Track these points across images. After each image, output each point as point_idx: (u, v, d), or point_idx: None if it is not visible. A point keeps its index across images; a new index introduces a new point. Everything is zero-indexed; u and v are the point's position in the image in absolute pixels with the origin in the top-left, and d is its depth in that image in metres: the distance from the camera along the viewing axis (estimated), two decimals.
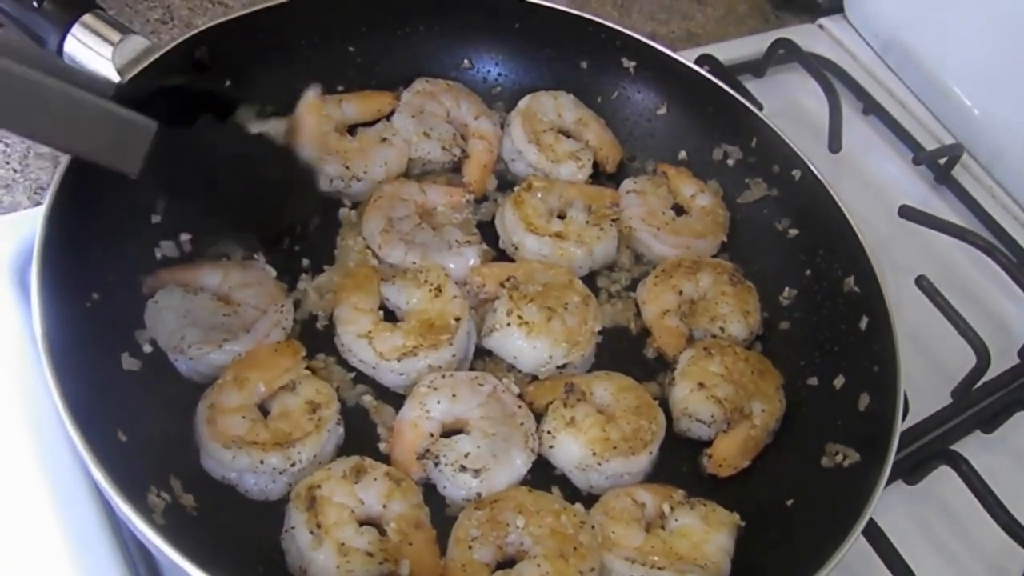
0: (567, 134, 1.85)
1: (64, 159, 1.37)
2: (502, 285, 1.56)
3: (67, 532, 1.32)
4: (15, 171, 1.75)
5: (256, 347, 1.41)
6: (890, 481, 1.60)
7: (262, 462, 1.32)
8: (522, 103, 1.84)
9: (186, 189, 1.34)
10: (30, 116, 1.13)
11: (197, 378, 1.42)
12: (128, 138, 1.19)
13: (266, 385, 1.38)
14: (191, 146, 1.28)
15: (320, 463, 1.36)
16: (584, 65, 1.88)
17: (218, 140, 1.33)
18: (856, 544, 1.43)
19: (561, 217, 1.72)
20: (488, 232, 1.72)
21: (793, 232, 1.74)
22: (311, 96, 1.50)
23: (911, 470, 1.66)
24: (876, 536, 1.48)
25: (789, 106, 2.23)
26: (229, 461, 1.31)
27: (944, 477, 1.61)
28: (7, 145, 1.77)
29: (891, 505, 1.62)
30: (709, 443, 1.53)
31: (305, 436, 1.34)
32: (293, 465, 1.33)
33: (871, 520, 1.45)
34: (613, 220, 1.72)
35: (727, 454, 1.50)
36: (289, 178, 1.45)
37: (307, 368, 1.44)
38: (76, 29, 1.48)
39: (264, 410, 1.39)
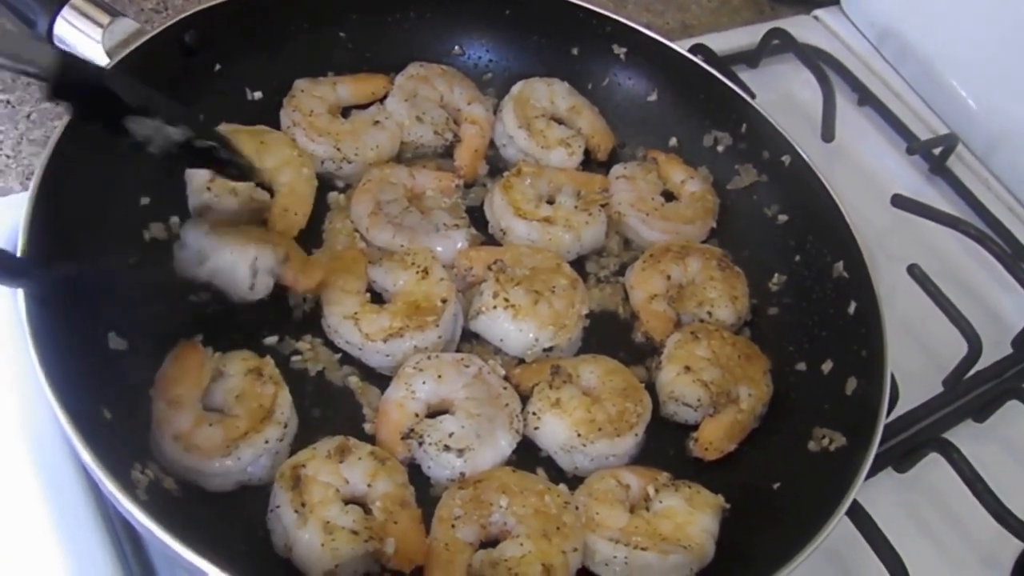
0: (559, 121, 1.86)
1: (51, 142, 1.37)
2: (489, 268, 1.56)
3: (54, 512, 1.33)
4: (8, 157, 1.75)
5: (162, 368, 1.38)
6: (880, 468, 1.64)
7: (267, 442, 1.32)
8: (515, 88, 1.84)
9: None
10: None
11: None
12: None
13: (196, 389, 1.35)
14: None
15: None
16: (575, 52, 1.88)
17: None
18: (845, 530, 1.45)
19: (550, 203, 1.72)
20: (478, 217, 1.72)
21: (783, 218, 1.74)
22: None
23: (901, 458, 1.66)
24: (864, 522, 1.47)
25: (783, 97, 2.22)
26: (236, 463, 1.31)
27: (935, 465, 1.61)
28: (1, 132, 1.78)
29: (881, 493, 1.62)
30: (696, 427, 1.53)
31: (276, 392, 1.36)
32: (285, 426, 1.34)
33: (859, 506, 1.47)
34: (602, 205, 1.72)
35: (713, 438, 1.49)
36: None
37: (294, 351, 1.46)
38: (66, 11, 1.49)
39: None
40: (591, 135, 1.85)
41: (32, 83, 1.84)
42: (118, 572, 1.30)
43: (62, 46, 1.51)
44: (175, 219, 1.55)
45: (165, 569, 1.32)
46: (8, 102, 1.83)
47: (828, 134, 2.05)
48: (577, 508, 1.36)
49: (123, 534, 1.33)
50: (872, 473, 1.59)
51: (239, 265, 1.41)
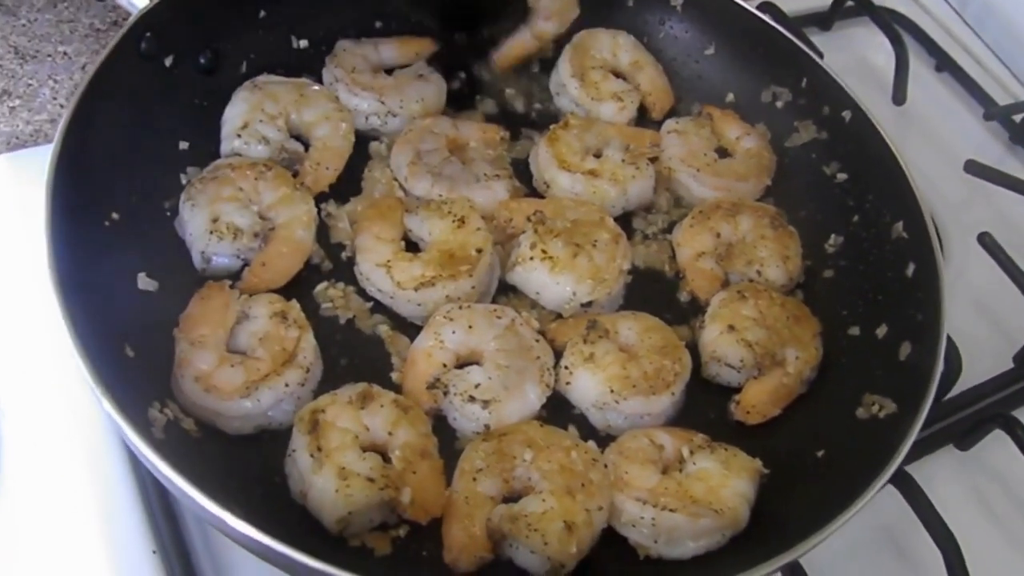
0: (619, 74, 1.80)
1: (87, 78, 1.37)
2: (529, 219, 1.51)
3: (88, 476, 1.33)
4: (61, 107, 1.77)
5: (188, 308, 1.36)
6: (941, 445, 1.58)
7: (287, 385, 1.30)
8: (576, 37, 1.80)
9: None
10: None
11: None
12: None
13: (221, 330, 1.34)
14: None
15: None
16: (630, 2, 1.81)
17: None
18: (899, 507, 1.39)
19: (597, 156, 1.66)
20: (523, 171, 1.68)
21: (842, 176, 1.66)
22: None
23: (964, 435, 1.59)
24: (917, 496, 1.40)
25: (856, 61, 2.16)
26: (255, 406, 1.29)
27: (1000, 445, 1.54)
28: (56, 82, 1.79)
29: (941, 470, 1.57)
30: (739, 390, 1.46)
31: (300, 336, 1.34)
32: (307, 371, 1.32)
33: (912, 480, 1.41)
34: (651, 160, 1.66)
35: (756, 401, 1.43)
36: None
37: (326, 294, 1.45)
38: None
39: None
40: (648, 92, 1.79)
41: (89, 35, 1.86)
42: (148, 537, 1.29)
43: None
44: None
45: (197, 531, 1.31)
46: (65, 53, 1.84)
47: (900, 96, 1.96)
48: (606, 466, 1.30)
49: (156, 500, 1.31)
50: (932, 449, 1.56)
51: None
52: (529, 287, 1.49)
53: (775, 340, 1.46)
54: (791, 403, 1.45)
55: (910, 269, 1.49)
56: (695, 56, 1.83)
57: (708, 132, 1.73)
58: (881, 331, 1.47)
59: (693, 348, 1.50)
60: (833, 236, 1.63)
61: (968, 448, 1.59)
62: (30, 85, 1.79)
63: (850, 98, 1.64)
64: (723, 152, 1.74)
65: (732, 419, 1.45)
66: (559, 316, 1.50)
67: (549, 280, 1.47)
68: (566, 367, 1.40)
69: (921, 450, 1.52)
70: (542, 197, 1.63)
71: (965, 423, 1.59)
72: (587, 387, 1.39)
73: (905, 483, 1.41)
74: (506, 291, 1.52)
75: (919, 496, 1.41)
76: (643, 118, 1.80)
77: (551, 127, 1.67)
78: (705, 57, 1.82)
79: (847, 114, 1.65)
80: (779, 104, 1.76)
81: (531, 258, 1.47)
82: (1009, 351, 1.71)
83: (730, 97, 1.80)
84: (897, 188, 1.55)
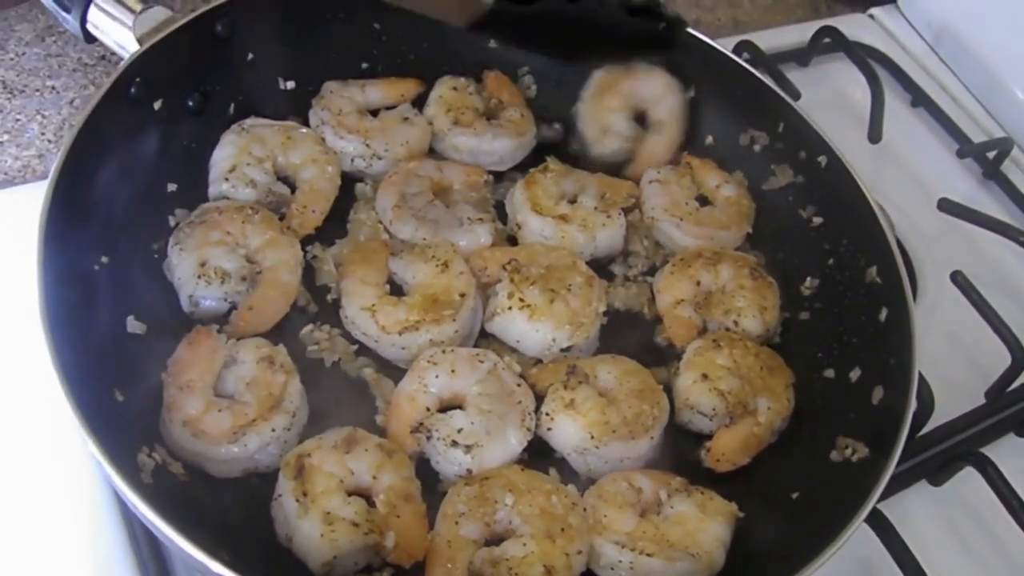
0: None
1: (78, 125, 1.39)
2: (504, 268, 1.53)
3: (76, 516, 1.35)
4: (49, 142, 1.79)
5: (176, 353, 1.38)
6: (914, 481, 1.60)
7: (274, 430, 1.32)
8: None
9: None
10: None
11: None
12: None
13: (208, 375, 1.36)
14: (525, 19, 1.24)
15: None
16: None
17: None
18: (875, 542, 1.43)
19: (572, 202, 1.68)
20: (507, 214, 1.70)
21: (817, 220, 1.69)
22: None
23: (936, 471, 1.61)
24: (888, 533, 1.44)
25: (833, 97, 2.18)
26: (242, 450, 1.31)
27: (973, 480, 1.56)
28: (44, 117, 1.81)
29: (915, 506, 1.59)
30: (711, 436, 1.49)
31: (287, 381, 1.36)
32: (294, 416, 1.34)
33: (884, 518, 1.44)
34: (626, 210, 1.68)
35: (726, 449, 1.46)
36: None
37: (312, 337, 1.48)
38: None
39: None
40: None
41: (78, 69, 1.88)
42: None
43: (95, 32, 1.53)
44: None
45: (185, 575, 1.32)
46: (53, 88, 1.86)
47: (875, 135, 1.99)
48: (585, 510, 1.33)
49: (145, 545, 1.33)
50: (906, 485, 1.59)
51: None
52: (509, 336, 1.51)
53: (748, 390, 1.48)
54: (761, 451, 1.48)
55: (883, 314, 1.51)
56: None
57: (689, 181, 1.75)
58: (855, 374, 1.50)
59: (670, 391, 1.52)
60: (809, 279, 1.66)
61: (941, 484, 1.62)
62: (18, 120, 1.81)
63: (826, 144, 1.67)
64: (703, 200, 1.76)
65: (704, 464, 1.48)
66: (539, 361, 1.52)
67: (528, 328, 1.49)
68: (547, 413, 1.42)
69: (895, 486, 1.54)
70: (515, 239, 1.65)
71: (938, 460, 1.61)
72: (568, 433, 1.41)
73: (879, 522, 1.44)
74: (487, 336, 1.54)
75: (892, 535, 1.44)
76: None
77: (531, 170, 1.70)
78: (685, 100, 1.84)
79: (823, 159, 1.68)
80: (757, 148, 1.78)
81: (509, 307, 1.49)
82: (982, 386, 1.74)
83: (709, 140, 1.82)
84: (871, 234, 1.57)
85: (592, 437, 1.39)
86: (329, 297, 1.54)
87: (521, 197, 1.64)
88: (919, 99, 2.24)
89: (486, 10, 1.16)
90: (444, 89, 1.77)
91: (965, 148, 2.10)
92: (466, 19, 1.19)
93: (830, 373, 1.55)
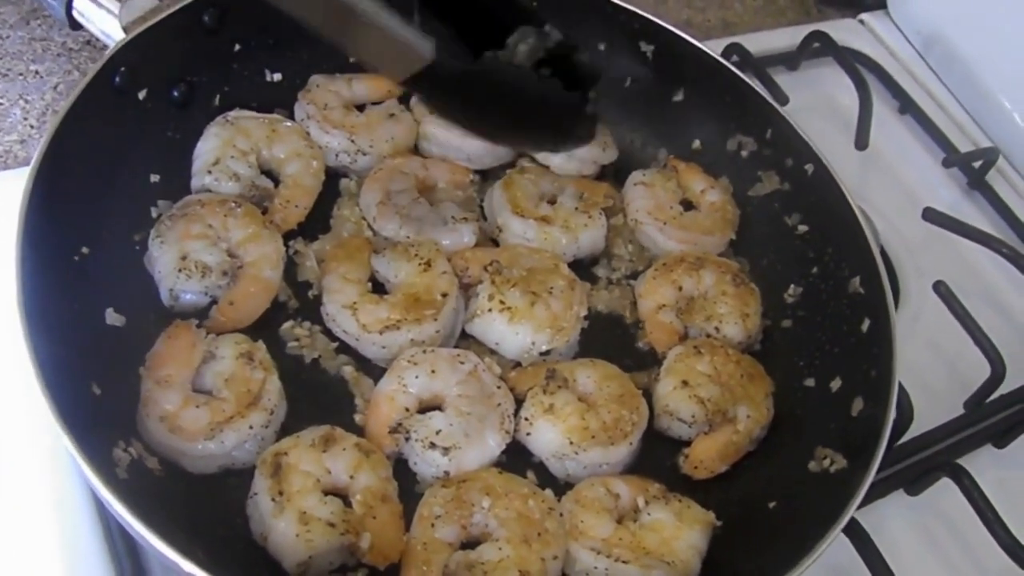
0: None
1: (61, 113, 1.37)
2: (485, 269, 1.52)
3: (52, 516, 1.33)
4: (32, 127, 1.77)
5: (154, 347, 1.37)
6: (891, 490, 1.60)
7: (251, 427, 1.32)
8: None
9: (449, 110, 1.33)
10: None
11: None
12: (401, 55, 1.16)
13: (187, 370, 1.35)
14: (464, 76, 1.22)
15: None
16: (602, 47, 1.83)
17: (497, 78, 1.24)
18: (848, 552, 1.43)
19: (552, 203, 1.67)
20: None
21: (803, 228, 1.69)
22: None
23: (913, 480, 1.62)
24: (865, 544, 1.45)
25: (821, 101, 2.18)
26: (219, 447, 1.30)
27: (949, 490, 1.57)
28: (27, 102, 1.79)
29: (892, 515, 1.60)
30: (690, 443, 1.49)
31: (265, 378, 1.35)
32: (272, 413, 1.34)
33: (860, 528, 1.44)
34: (604, 210, 1.68)
35: (704, 456, 1.46)
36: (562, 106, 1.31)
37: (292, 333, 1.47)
38: None
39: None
40: None
41: (62, 54, 1.86)
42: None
43: (81, 20, 1.51)
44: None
45: (160, 572, 1.31)
46: (37, 72, 1.84)
47: (862, 141, 1.99)
48: (562, 515, 1.33)
49: (120, 541, 1.31)
50: (883, 494, 1.59)
51: None
52: (489, 338, 1.51)
53: (727, 397, 1.48)
54: (740, 459, 1.48)
55: (865, 324, 1.51)
56: (663, 102, 1.84)
57: (674, 185, 1.75)
58: (835, 384, 1.51)
59: (650, 396, 1.52)
60: (792, 286, 1.66)
61: (918, 493, 1.62)
62: (1, 104, 1.79)
63: (813, 152, 1.67)
64: (688, 204, 1.76)
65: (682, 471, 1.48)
66: (519, 364, 1.51)
67: (508, 331, 1.48)
68: (526, 418, 1.42)
69: (872, 495, 1.52)
70: (496, 241, 1.65)
71: (916, 469, 1.62)
72: (547, 438, 1.41)
73: (854, 530, 1.44)
74: (468, 337, 1.54)
75: (867, 543, 1.45)
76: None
77: (508, 172, 1.69)
78: (673, 103, 1.83)
79: (809, 167, 1.67)
80: (744, 153, 1.78)
81: (489, 309, 1.49)
82: (961, 396, 1.75)
83: (696, 144, 1.82)
84: (855, 244, 1.57)
85: (571, 443, 1.39)
86: (311, 293, 1.53)
87: (501, 199, 1.63)
88: (907, 106, 2.24)
89: (423, 66, 1.15)
90: None
91: (951, 157, 2.11)
92: (405, 72, 1.17)
93: (811, 382, 1.55)
